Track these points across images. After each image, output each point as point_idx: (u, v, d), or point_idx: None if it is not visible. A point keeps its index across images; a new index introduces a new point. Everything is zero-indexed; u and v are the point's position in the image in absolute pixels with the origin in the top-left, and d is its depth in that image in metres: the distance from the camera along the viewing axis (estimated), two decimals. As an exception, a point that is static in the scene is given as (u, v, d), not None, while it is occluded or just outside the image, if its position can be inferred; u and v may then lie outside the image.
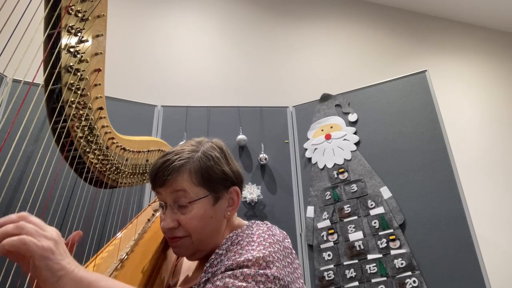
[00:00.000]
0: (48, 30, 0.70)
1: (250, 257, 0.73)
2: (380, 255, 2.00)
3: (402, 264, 1.94)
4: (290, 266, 0.79)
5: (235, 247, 0.79)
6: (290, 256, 0.82)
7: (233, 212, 0.91)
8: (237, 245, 0.79)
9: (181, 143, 2.31)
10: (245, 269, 0.71)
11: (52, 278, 0.54)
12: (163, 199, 0.87)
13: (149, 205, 1.44)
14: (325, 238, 2.15)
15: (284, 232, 0.88)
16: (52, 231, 0.57)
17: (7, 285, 0.61)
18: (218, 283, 0.70)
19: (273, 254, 0.75)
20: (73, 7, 0.72)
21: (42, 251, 0.53)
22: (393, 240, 2.01)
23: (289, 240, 0.86)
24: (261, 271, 0.71)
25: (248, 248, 0.76)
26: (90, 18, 0.76)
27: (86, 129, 0.86)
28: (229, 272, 0.71)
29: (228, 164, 0.91)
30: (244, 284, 0.68)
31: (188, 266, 1.01)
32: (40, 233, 0.55)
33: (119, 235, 1.13)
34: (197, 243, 0.85)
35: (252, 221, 0.91)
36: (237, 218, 0.96)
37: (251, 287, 0.69)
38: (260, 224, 0.88)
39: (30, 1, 0.66)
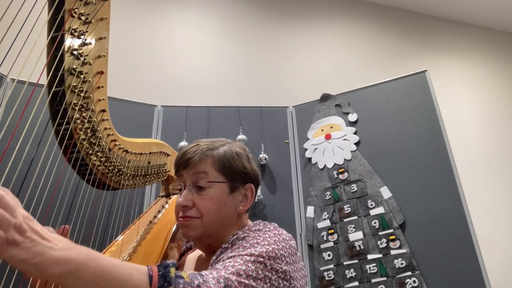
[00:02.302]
0: (52, 33, 0.71)
1: (253, 251, 0.75)
2: (380, 255, 2.00)
3: (402, 264, 1.95)
4: (295, 265, 0.81)
5: (240, 242, 0.82)
6: (295, 256, 0.83)
7: (244, 208, 0.94)
8: (243, 240, 0.82)
9: (182, 143, 2.32)
10: (246, 257, 0.74)
11: (29, 267, 0.50)
12: (183, 180, 0.93)
13: (160, 196, 1.43)
14: (325, 238, 2.16)
15: (290, 235, 0.89)
16: (20, 216, 0.50)
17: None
18: (218, 266, 0.72)
19: (276, 251, 0.77)
20: (76, 10, 0.72)
21: (3, 244, 0.48)
22: (393, 240, 2.01)
23: (295, 242, 0.87)
24: (261, 259, 0.74)
25: (252, 242, 0.79)
26: (93, 21, 0.76)
27: (89, 131, 0.86)
28: (231, 259, 0.74)
29: (248, 162, 0.98)
30: (243, 267, 0.71)
31: (190, 266, 1.01)
32: (5, 223, 0.48)
33: (120, 237, 1.13)
34: (206, 226, 0.88)
35: (260, 220, 0.94)
36: (247, 219, 0.98)
37: (250, 270, 0.71)
38: (268, 224, 0.91)
39: (34, 4, 0.66)
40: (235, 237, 0.85)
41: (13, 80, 2.09)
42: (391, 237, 2.02)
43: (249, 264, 0.72)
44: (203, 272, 0.69)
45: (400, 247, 1.99)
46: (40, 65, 0.70)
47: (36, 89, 0.70)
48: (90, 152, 0.90)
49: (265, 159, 2.38)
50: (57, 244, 0.53)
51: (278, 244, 0.79)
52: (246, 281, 0.69)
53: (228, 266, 0.71)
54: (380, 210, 2.10)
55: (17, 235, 0.50)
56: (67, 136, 0.83)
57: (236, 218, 0.94)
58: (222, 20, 3.61)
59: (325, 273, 2.07)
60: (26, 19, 0.69)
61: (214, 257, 0.83)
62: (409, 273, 1.92)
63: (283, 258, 0.77)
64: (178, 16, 3.49)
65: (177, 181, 0.95)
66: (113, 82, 2.65)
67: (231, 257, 0.75)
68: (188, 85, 3.21)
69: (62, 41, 0.73)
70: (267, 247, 0.77)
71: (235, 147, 0.97)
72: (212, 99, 3.12)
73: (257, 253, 0.75)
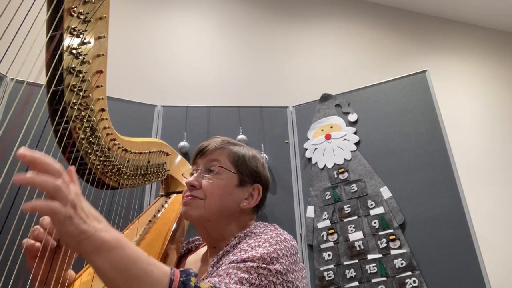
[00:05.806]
0: (50, 32, 0.71)
1: (255, 254, 0.75)
2: (380, 255, 2.00)
3: (402, 264, 1.94)
4: (296, 265, 0.81)
5: (242, 245, 0.82)
6: (296, 257, 0.83)
7: (248, 206, 0.96)
8: (244, 243, 0.82)
9: (182, 143, 2.31)
10: (249, 263, 0.73)
11: (73, 242, 0.56)
12: (197, 168, 0.99)
13: (160, 195, 1.43)
14: (325, 238, 2.16)
15: (291, 236, 0.89)
16: (73, 193, 0.57)
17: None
18: (221, 272, 0.72)
19: (278, 251, 0.77)
20: (75, 9, 0.72)
21: (62, 218, 0.54)
22: (393, 240, 2.01)
23: (296, 243, 0.87)
24: (264, 265, 0.73)
25: (254, 245, 0.79)
26: (92, 20, 0.76)
27: (88, 130, 0.86)
28: (233, 264, 0.74)
29: (262, 166, 1.04)
30: (246, 275, 0.71)
31: (189, 266, 1.01)
32: (65, 198, 0.55)
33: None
34: (207, 208, 0.91)
35: (260, 221, 0.94)
36: (251, 220, 0.99)
37: (253, 278, 0.70)
38: (268, 225, 0.91)
39: (33, 3, 0.66)
40: (237, 240, 0.85)
41: (12, 79, 2.09)
42: (391, 237, 2.02)
43: (252, 271, 0.72)
44: (212, 280, 0.69)
45: (400, 247, 1.99)
46: (39, 64, 0.70)
47: (35, 88, 0.70)
48: (89, 151, 0.90)
49: (265, 159, 2.38)
50: (98, 224, 0.59)
51: (280, 244, 0.79)
52: None
53: (231, 274, 0.71)
54: (380, 210, 2.10)
55: (72, 211, 0.55)
56: (66, 135, 0.82)
57: (238, 214, 0.94)
58: (222, 20, 3.61)
59: (325, 273, 2.07)
60: (25, 18, 0.69)
61: (215, 259, 0.83)
62: (409, 273, 1.92)
63: (286, 258, 0.77)
64: (178, 16, 3.49)
65: (192, 170, 1.01)
66: (113, 82, 2.65)
67: (233, 261, 0.75)
68: (188, 85, 3.21)
69: (61, 40, 0.72)
70: (269, 248, 0.77)
71: (253, 151, 1.04)
72: (212, 99, 3.12)
73: (258, 255, 0.74)
